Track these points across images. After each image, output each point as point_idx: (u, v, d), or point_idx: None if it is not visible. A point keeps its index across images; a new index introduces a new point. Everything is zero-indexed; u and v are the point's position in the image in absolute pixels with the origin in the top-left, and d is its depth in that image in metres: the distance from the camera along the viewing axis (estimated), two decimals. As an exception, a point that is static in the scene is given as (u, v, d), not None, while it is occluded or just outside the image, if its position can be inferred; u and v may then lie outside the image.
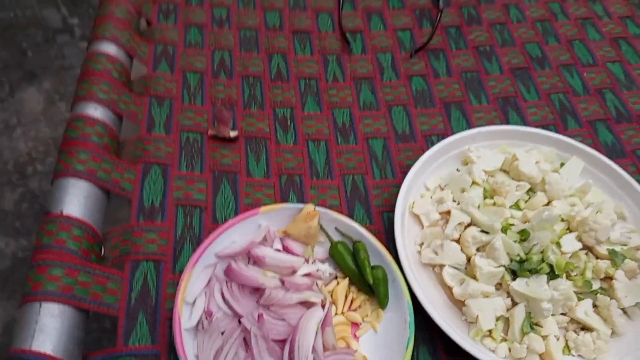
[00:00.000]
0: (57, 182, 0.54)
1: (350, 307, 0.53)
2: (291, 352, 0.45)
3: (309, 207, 0.55)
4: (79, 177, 0.54)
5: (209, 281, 0.50)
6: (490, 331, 0.52)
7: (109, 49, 0.66)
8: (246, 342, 0.47)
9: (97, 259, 0.52)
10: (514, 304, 0.53)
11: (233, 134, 0.63)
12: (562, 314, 0.53)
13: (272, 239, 0.54)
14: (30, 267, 0.48)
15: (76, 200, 0.52)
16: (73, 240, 0.50)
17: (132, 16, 0.73)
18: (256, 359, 0.44)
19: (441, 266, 0.56)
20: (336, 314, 0.52)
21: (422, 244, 0.58)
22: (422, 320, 0.52)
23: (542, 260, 0.53)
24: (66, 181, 0.54)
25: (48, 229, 0.50)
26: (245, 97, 0.69)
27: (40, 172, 1.30)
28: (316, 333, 0.48)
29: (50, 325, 0.44)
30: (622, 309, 0.54)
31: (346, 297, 0.54)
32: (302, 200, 0.61)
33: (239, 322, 0.48)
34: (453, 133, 0.67)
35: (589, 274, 0.54)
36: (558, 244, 0.55)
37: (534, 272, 0.53)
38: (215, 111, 0.62)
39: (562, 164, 0.64)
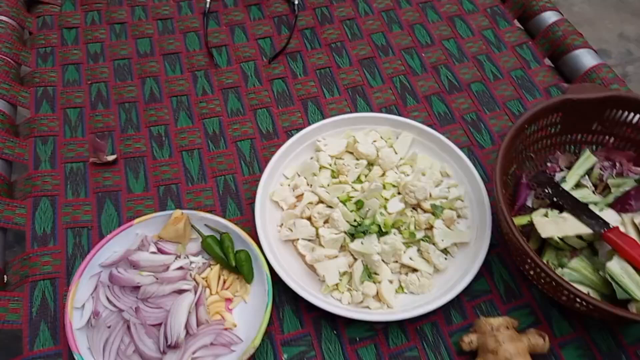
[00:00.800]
0: (-47, 227, 0.63)
1: (224, 286, 0.64)
2: (165, 331, 0.55)
3: (177, 213, 0.65)
4: (-27, 220, 0.63)
5: (96, 287, 0.60)
6: (336, 285, 0.64)
7: (-11, 102, 0.74)
8: (130, 330, 0.57)
9: (0, 286, 0.61)
10: (355, 260, 0.65)
11: (111, 158, 0.73)
12: (395, 262, 0.66)
13: (148, 244, 0.64)
14: (-63, 303, 0.57)
15: (-28, 240, 0.61)
16: (-27, 275, 0.59)
17: (10, 66, 0.80)
18: (137, 343, 0.55)
19: (296, 240, 0.67)
20: (211, 294, 0.63)
21: (281, 224, 0.69)
22: (287, 287, 0.63)
23: (373, 222, 0.65)
24: (-39, 225, 0.62)
25: (-50, 269, 0.59)
26: (122, 122, 0.78)
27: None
28: (189, 313, 0.58)
29: (-42, 347, 0.54)
30: (445, 251, 0.67)
31: (219, 279, 0.64)
32: (179, 205, 0.71)
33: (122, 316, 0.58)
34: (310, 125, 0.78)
35: (412, 227, 0.67)
36: (385, 207, 0.67)
37: (366, 232, 0.65)
38: (91, 141, 0.71)
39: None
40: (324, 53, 0.90)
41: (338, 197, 0.68)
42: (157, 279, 0.60)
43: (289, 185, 0.72)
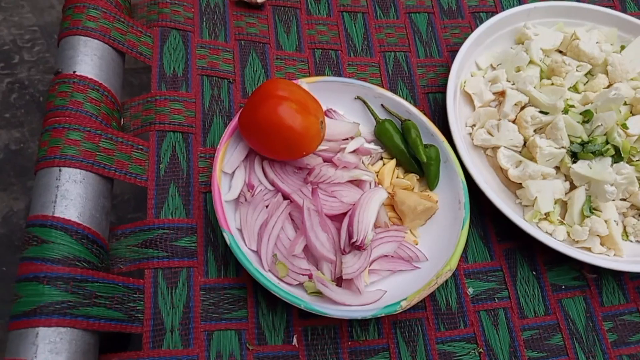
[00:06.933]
0: (65, 41, 0.47)
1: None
2: (350, 224, 0.41)
3: (355, 78, 0.49)
4: (91, 36, 0.46)
5: (247, 155, 0.45)
6: (547, 214, 0.48)
7: None
8: (292, 219, 0.43)
9: (118, 127, 0.46)
10: (572, 187, 0.50)
11: (261, -1, 0.56)
12: (622, 199, 0.50)
13: (313, 113, 0.48)
14: (43, 131, 0.42)
15: (89, 60, 0.45)
16: (90, 103, 0.44)
17: None
18: (309, 234, 0.40)
19: (495, 148, 0.51)
20: (383, 194, 0.48)
21: (473, 125, 0.53)
22: (472, 203, 0.48)
23: (607, 142, 0.49)
24: (76, 39, 0.46)
25: (61, 90, 0.44)
26: (272, -39, 0.60)
27: (29, 61, 1.20)
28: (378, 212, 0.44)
29: (73, 192, 0.39)
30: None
31: (392, 177, 0.49)
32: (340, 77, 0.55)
33: (284, 197, 0.43)
34: (503, 10, 0.60)
35: (654, 159, 0.50)
36: (624, 126, 0.50)
37: (598, 154, 0.49)
38: (242, -30, 0.54)
39: (622, 47, 0.58)
40: None
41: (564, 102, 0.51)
42: (327, 161, 0.45)
43: (483, 77, 0.55)
